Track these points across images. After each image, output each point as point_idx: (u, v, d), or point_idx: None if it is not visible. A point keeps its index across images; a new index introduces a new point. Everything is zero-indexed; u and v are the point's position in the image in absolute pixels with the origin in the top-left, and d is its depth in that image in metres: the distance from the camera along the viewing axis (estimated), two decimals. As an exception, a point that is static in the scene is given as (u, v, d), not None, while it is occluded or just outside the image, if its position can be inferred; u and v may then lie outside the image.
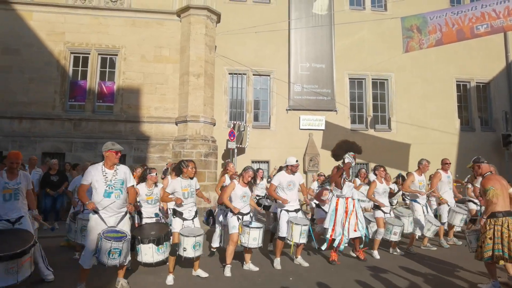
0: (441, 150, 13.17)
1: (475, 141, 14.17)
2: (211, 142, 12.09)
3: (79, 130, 11.78)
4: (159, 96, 12.32)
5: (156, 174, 5.59)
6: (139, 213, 5.56)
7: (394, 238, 6.53)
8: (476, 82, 15.30)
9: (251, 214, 5.64)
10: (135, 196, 4.72)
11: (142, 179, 5.57)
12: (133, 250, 5.21)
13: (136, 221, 5.52)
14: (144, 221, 5.47)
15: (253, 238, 5.21)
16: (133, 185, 4.57)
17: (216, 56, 13.04)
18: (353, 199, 5.96)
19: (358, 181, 7.83)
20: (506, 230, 4.38)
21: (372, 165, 12.60)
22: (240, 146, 12.27)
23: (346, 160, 5.92)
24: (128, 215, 4.47)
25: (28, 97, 11.59)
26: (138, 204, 5.44)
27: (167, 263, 5.05)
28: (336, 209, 5.87)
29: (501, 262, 4.49)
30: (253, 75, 13.89)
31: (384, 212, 6.66)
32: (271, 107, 13.93)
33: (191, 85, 11.94)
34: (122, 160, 11.59)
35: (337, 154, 6.13)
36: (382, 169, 6.87)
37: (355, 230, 5.87)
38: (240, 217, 5.36)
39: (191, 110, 11.85)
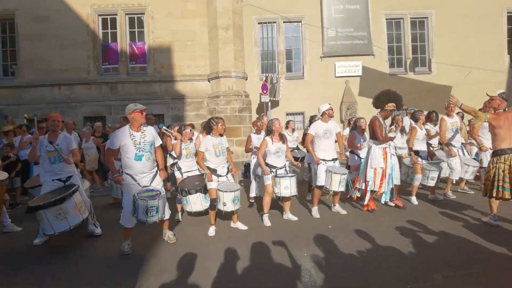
0: (485, 91, 12.28)
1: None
2: (244, 97, 12.06)
3: (116, 93, 12.14)
4: (189, 54, 12.27)
5: (190, 130, 5.85)
6: (179, 169, 5.83)
7: (432, 183, 6.43)
8: (532, 11, 13.76)
9: (287, 167, 5.67)
10: (163, 157, 4.69)
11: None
12: (180, 203, 5.60)
13: (177, 177, 5.82)
14: (185, 175, 5.76)
15: (285, 187, 5.29)
16: (160, 145, 4.58)
17: (243, 5, 12.60)
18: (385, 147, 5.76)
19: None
20: (507, 167, 4.42)
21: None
22: (274, 99, 12.14)
23: (386, 109, 5.66)
24: (158, 174, 4.51)
25: (63, 64, 11.98)
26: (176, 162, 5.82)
27: (208, 215, 5.29)
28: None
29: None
30: (284, 22, 13.34)
31: (422, 158, 6.55)
32: (304, 55, 13.46)
33: (220, 39, 11.74)
34: (161, 120, 11.95)
35: (379, 101, 5.73)
36: (423, 114, 6.63)
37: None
38: (274, 170, 5.43)
39: (222, 65, 11.76)
